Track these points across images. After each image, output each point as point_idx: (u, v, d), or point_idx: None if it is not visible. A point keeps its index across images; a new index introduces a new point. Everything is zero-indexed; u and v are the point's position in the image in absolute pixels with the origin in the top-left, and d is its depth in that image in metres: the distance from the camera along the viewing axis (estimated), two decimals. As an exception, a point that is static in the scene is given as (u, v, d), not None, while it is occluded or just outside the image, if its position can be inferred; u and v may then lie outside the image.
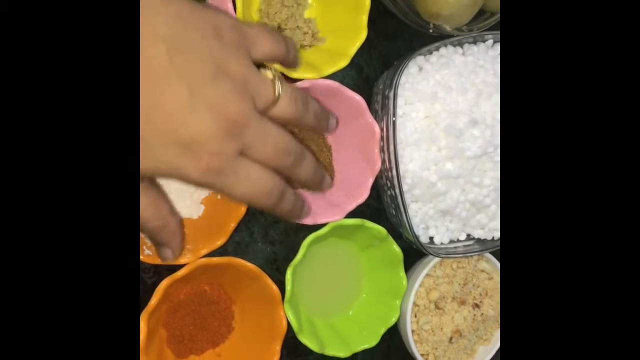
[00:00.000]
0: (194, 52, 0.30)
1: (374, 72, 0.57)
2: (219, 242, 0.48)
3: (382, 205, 0.57)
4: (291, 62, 0.38)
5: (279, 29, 0.51)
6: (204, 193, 0.50)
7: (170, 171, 0.31)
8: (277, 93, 0.33)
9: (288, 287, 0.49)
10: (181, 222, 0.39)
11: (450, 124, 0.51)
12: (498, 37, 0.55)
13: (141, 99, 0.29)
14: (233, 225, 0.48)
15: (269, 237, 0.54)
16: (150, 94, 0.29)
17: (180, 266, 0.46)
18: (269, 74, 0.33)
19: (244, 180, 0.32)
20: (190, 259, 0.47)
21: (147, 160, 0.30)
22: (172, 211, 0.34)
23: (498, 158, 0.53)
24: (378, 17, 0.56)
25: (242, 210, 0.48)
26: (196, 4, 0.32)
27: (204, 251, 0.47)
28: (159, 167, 0.30)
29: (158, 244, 0.35)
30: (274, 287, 0.49)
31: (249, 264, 0.48)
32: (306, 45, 0.52)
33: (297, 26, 0.51)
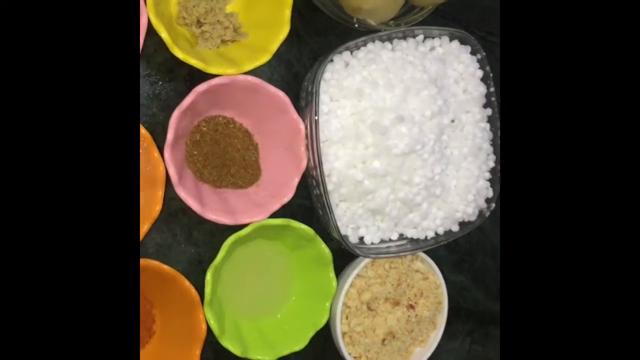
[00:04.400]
0: None
1: (304, 68, 0.56)
2: (131, 244, 0.46)
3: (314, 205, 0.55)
4: None
5: (199, 23, 0.49)
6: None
7: None
8: None
9: (207, 289, 0.48)
10: None
11: (375, 121, 0.50)
12: (429, 32, 0.54)
13: None
14: (146, 227, 0.46)
15: (193, 239, 0.52)
16: None
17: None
18: None
19: None
20: (102, 262, 0.45)
21: None
22: None
23: (427, 156, 0.51)
24: (308, 12, 0.54)
25: (157, 209, 0.46)
26: None
27: (116, 253, 0.45)
28: None
29: None
30: (192, 290, 0.48)
31: (164, 266, 0.47)
32: (228, 41, 0.50)
33: (218, 20, 0.49)
